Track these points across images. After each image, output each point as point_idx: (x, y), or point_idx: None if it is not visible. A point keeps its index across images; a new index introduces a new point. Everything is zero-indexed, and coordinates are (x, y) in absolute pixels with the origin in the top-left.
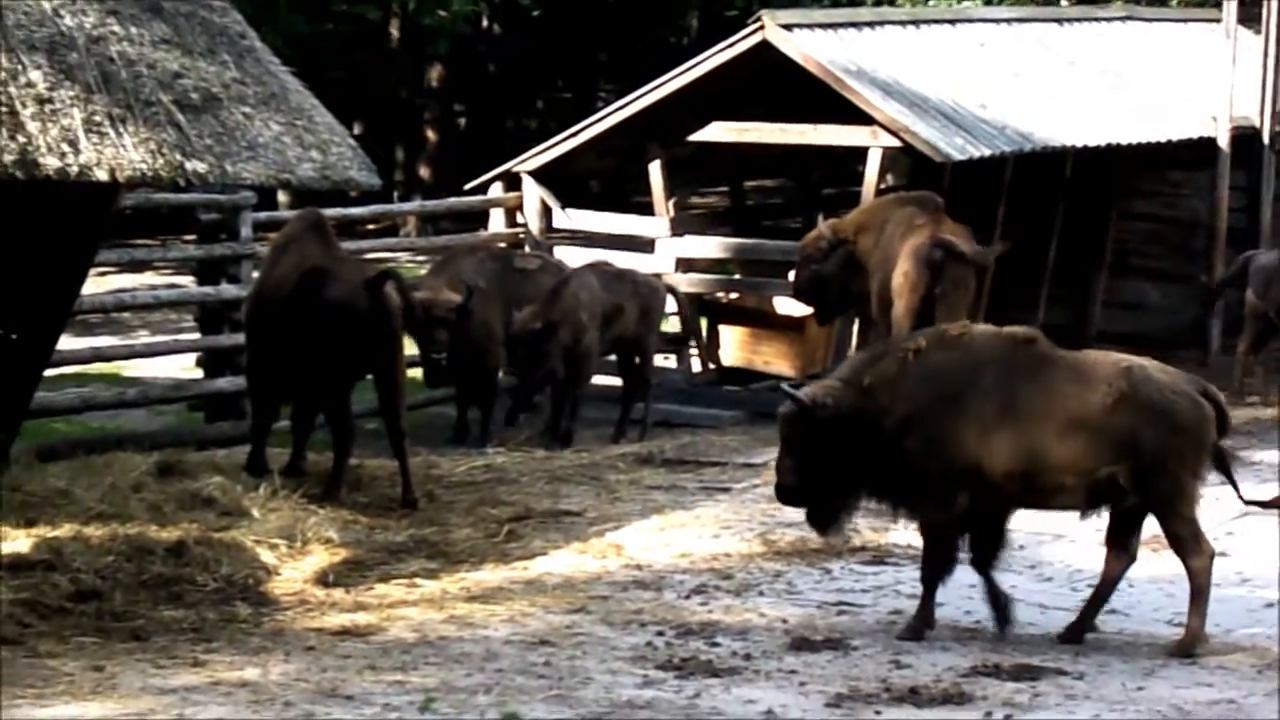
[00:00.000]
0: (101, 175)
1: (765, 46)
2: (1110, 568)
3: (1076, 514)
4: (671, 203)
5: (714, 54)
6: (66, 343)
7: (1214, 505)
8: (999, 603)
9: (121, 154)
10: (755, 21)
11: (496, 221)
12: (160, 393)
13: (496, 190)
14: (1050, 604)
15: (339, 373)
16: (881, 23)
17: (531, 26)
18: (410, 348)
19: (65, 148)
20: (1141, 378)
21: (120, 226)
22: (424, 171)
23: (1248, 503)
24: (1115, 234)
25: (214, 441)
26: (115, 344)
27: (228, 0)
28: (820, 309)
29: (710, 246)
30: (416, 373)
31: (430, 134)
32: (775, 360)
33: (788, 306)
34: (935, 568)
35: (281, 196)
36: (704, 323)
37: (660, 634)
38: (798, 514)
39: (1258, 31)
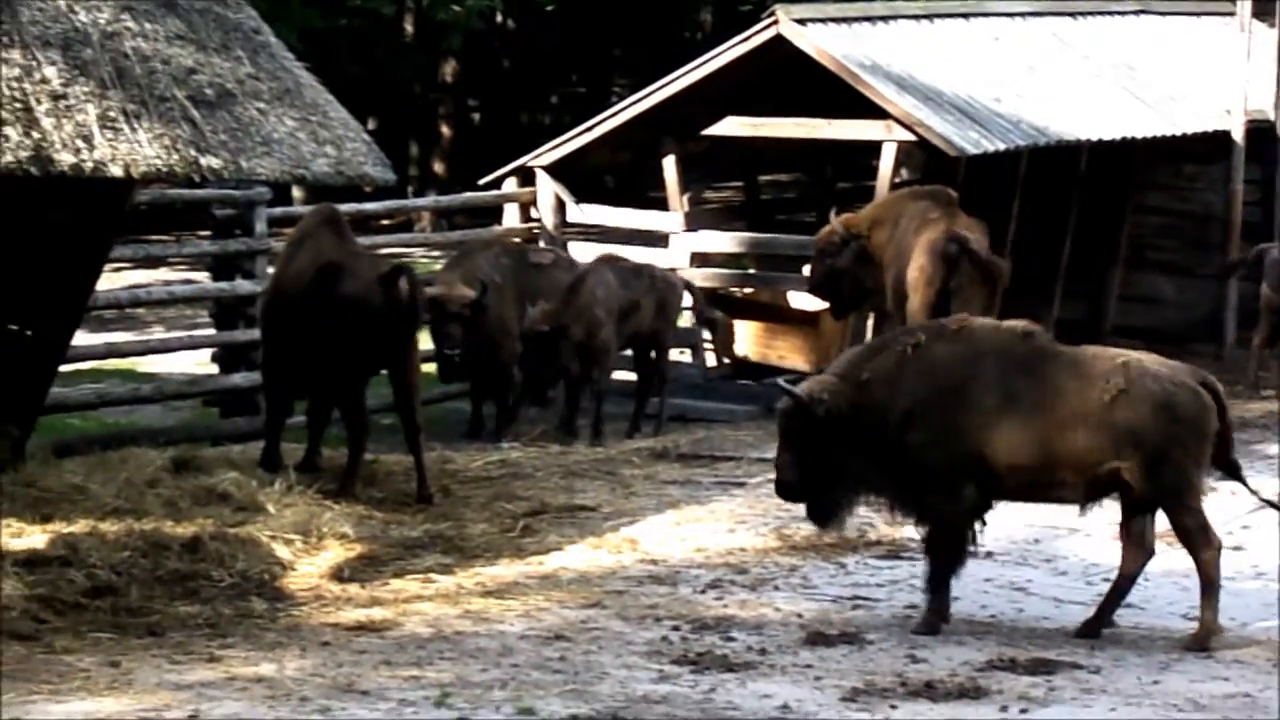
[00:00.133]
0: (116, 171)
1: (779, 41)
2: (1128, 563)
3: (1075, 509)
4: (686, 197)
5: (728, 49)
6: (82, 338)
7: (1230, 500)
8: None
9: (136, 150)
10: (769, 16)
11: (511, 216)
12: (175, 388)
13: (511, 185)
14: (1065, 598)
15: (354, 368)
16: (895, 17)
17: (546, 21)
18: (425, 342)
19: (80, 144)
20: (1139, 372)
21: (135, 222)
22: (438, 166)
23: (1263, 500)
24: (1130, 228)
25: (229, 437)
26: (130, 340)
27: None
28: (835, 304)
29: (725, 241)
30: (431, 368)
31: (444, 129)
32: (790, 355)
33: (802, 301)
34: (946, 561)
35: (296, 192)
36: (720, 317)
37: (675, 629)
38: None
39: (1272, 25)
